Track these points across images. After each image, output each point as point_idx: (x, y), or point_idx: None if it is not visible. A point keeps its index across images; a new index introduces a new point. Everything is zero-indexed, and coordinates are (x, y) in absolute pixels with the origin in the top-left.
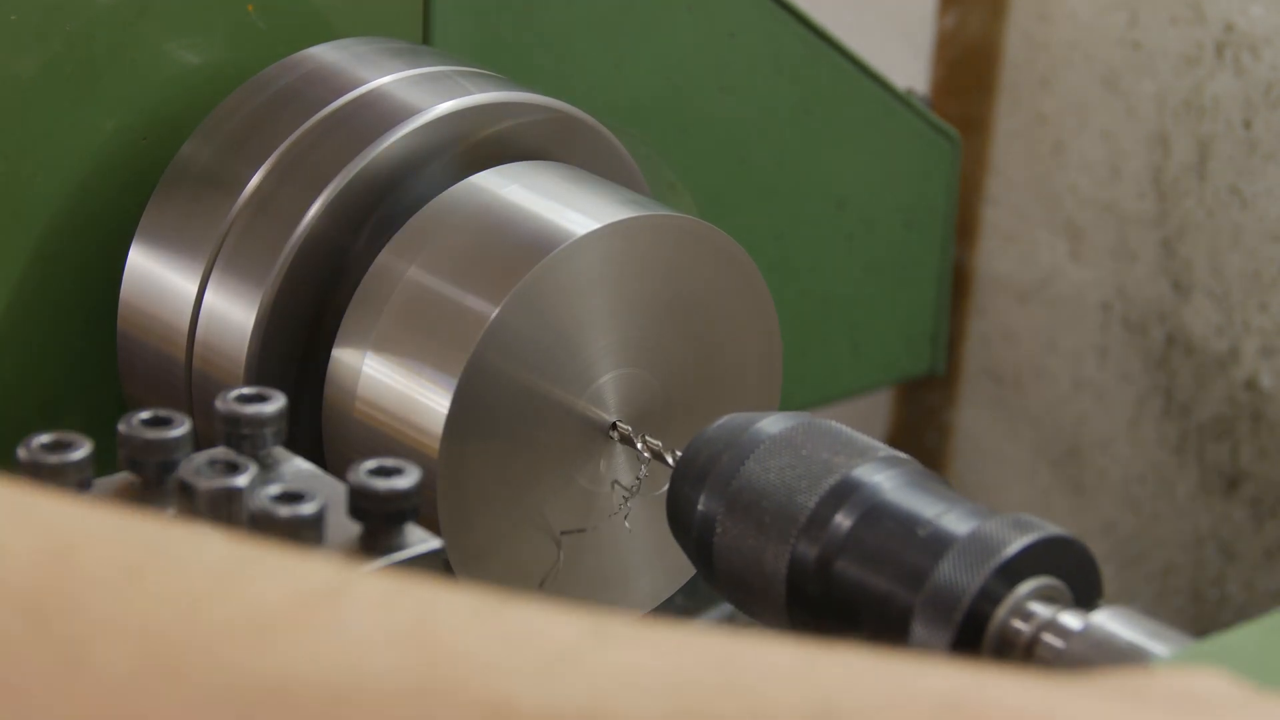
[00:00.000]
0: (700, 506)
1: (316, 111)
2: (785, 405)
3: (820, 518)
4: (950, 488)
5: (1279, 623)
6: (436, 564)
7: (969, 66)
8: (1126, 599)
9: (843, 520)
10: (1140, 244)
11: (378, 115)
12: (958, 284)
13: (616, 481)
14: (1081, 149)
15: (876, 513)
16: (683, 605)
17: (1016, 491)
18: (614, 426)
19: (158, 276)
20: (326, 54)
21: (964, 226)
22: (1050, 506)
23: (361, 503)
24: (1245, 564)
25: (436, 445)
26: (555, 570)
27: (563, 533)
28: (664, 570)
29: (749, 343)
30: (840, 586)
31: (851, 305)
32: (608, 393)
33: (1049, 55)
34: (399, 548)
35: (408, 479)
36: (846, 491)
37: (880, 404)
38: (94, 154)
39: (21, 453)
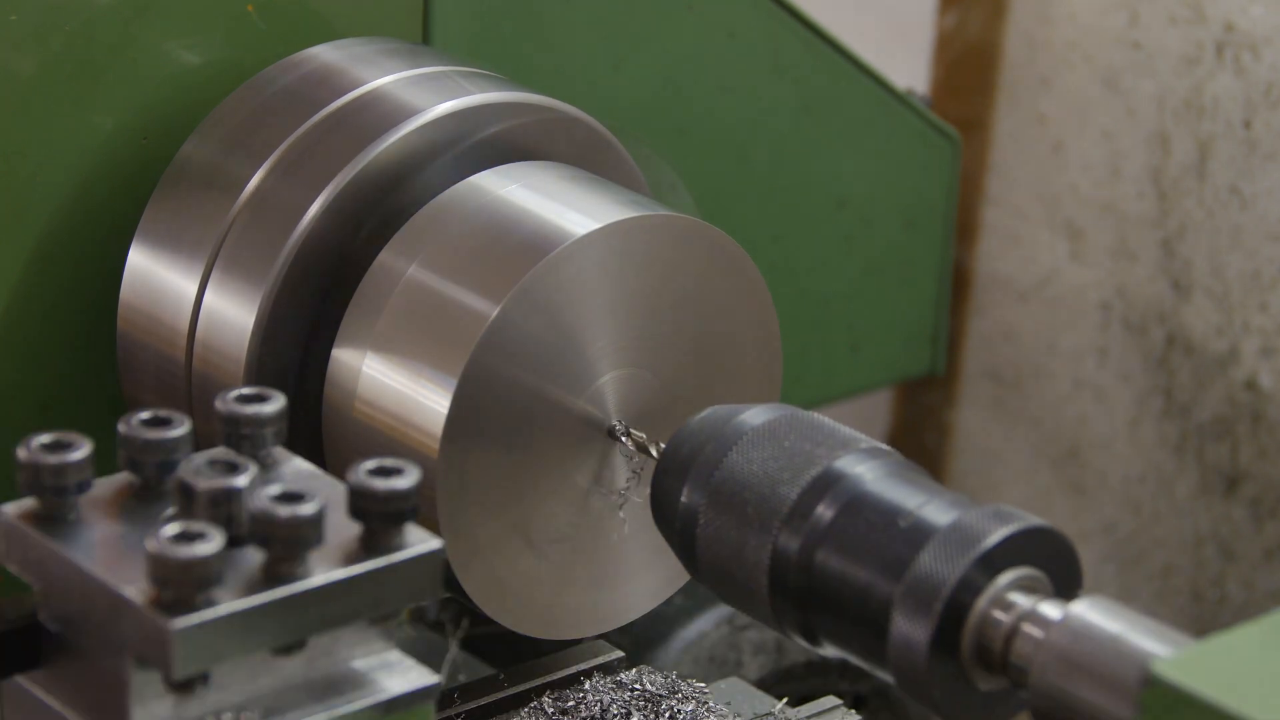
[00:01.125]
0: (683, 498)
1: (317, 111)
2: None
3: (803, 509)
4: (932, 479)
5: (1279, 623)
6: (435, 563)
7: (969, 66)
8: (1126, 599)
9: (825, 511)
10: (1140, 244)
11: (378, 115)
12: (958, 284)
13: (597, 483)
14: (1081, 149)
15: (858, 504)
16: (682, 605)
17: (1016, 491)
18: (619, 428)
19: (158, 276)
20: (326, 54)
21: (964, 226)
22: (1050, 507)
23: (361, 503)
24: (1245, 564)
25: (436, 445)
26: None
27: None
28: (664, 570)
29: (749, 342)
30: (822, 577)
31: (851, 305)
32: (608, 393)
33: (1049, 55)
34: (398, 548)
35: (407, 479)
36: (829, 482)
37: (880, 404)
38: (94, 154)
39: (21, 453)
